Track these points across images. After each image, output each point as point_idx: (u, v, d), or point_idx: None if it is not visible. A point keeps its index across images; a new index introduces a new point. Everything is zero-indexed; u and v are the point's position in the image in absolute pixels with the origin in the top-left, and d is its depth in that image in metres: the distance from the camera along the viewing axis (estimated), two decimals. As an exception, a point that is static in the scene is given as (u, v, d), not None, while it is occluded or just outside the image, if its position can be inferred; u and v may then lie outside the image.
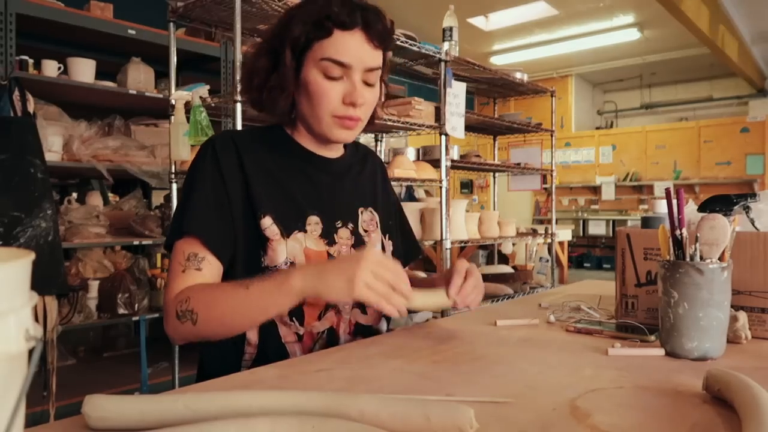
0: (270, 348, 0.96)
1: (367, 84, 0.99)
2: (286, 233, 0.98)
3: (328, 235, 1.02)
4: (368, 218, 1.10)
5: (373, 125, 1.12)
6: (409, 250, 1.26)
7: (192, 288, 0.91)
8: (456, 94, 2.81)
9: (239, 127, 2.01)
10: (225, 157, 0.98)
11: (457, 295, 0.98)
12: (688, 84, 9.18)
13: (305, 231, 1.00)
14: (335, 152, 1.10)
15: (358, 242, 1.06)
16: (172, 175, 2.39)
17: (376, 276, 0.83)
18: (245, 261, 0.97)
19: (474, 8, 6.39)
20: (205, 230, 0.94)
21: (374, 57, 0.98)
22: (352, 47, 0.95)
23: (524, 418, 0.62)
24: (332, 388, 0.73)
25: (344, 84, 0.97)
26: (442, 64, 2.75)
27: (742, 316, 0.93)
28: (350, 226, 1.06)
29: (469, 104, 3.70)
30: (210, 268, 0.94)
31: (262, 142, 1.04)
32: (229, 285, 0.90)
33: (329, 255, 1.02)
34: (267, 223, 0.97)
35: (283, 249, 0.97)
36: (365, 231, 1.09)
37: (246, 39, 2.42)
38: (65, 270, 2.62)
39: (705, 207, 1.10)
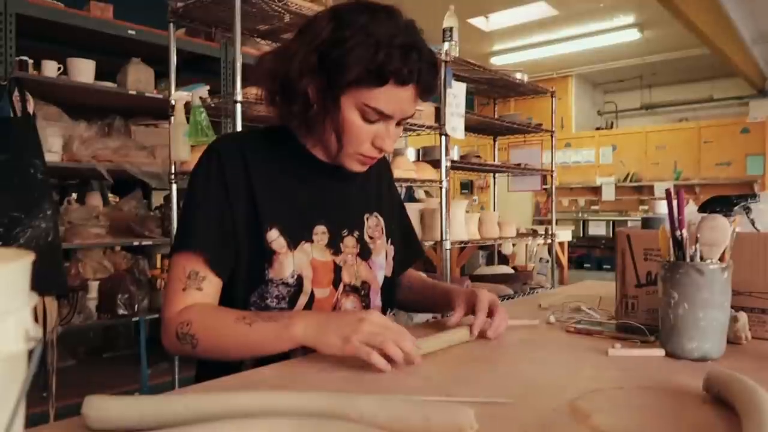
0: (272, 356, 0.95)
1: (398, 124, 0.97)
2: (292, 244, 0.97)
3: (334, 245, 1.01)
4: (374, 224, 1.10)
5: None
6: (410, 253, 1.24)
7: (194, 311, 0.90)
8: (456, 94, 2.81)
9: (239, 127, 2.01)
10: (231, 170, 0.96)
11: (487, 331, 0.97)
12: (689, 84, 9.17)
13: (312, 241, 0.99)
14: None
15: (364, 250, 1.06)
16: (172, 176, 2.38)
17: (375, 336, 0.80)
18: (248, 274, 0.96)
19: (474, 8, 6.38)
20: (207, 248, 0.93)
21: (414, 107, 0.96)
22: (399, 101, 0.92)
23: (524, 418, 0.62)
24: (332, 388, 0.73)
25: (378, 127, 0.94)
26: (442, 64, 2.75)
27: (742, 317, 0.93)
28: (356, 233, 1.05)
29: (469, 105, 3.70)
30: (210, 287, 0.94)
31: (270, 148, 1.01)
32: (231, 316, 0.88)
33: (335, 264, 1.01)
34: (273, 235, 0.96)
35: (290, 262, 0.96)
36: (371, 238, 1.08)
37: (246, 39, 2.43)
38: (65, 270, 2.62)
39: (705, 208, 1.10)
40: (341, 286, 1.02)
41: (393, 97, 0.91)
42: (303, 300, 0.98)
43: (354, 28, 0.89)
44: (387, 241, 1.12)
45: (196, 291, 0.92)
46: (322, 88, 0.92)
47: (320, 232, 1.00)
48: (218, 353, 0.90)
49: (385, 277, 1.11)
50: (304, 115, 0.96)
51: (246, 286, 0.97)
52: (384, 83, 0.89)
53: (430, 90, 0.96)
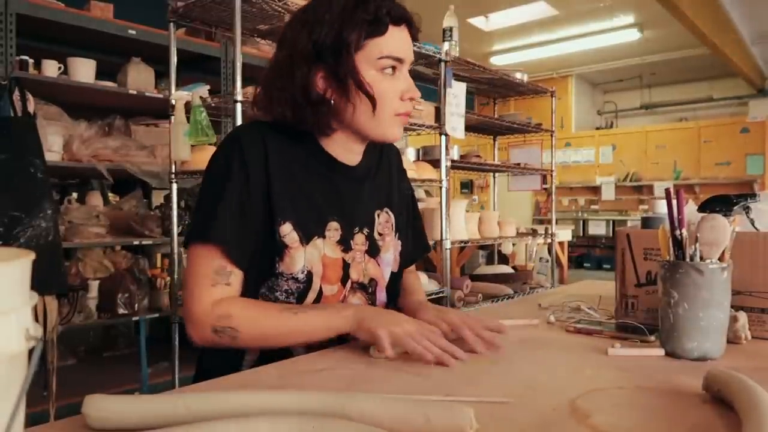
0: (274, 354, 0.95)
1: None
2: (305, 239, 0.97)
3: (345, 242, 1.02)
4: (384, 220, 1.10)
5: None
6: (417, 247, 1.24)
7: (233, 305, 0.92)
8: (456, 94, 2.81)
9: (239, 127, 2.01)
10: (253, 161, 0.95)
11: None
12: (688, 84, 9.17)
13: (324, 237, 1.00)
14: (356, 158, 1.07)
15: (372, 247, 1.06)
16: (173, 175, 2.38)
17: (422, 334, 0.86)
18: (259, 266, 0.96)
19: (474, 8, 6.38)
20: (231, 241, 0.93)
21: (413, 50, 1.01)
22: (403, 42, 0.97)
23: (524, 418, 0.62)
24: (332, 388, 0.73)
25: (398, 81, 0.98)
26: (442, 64, 2.75)
27: (742, 317, 0.93)
28: (366, 231, 1.06)
29: (469, 104, 3.69)
30: (236, 281, 0.95)
31: (288, 142, 1.00)
32: (276, 307, 0.93)
33: (344, 261, 1.02)
34: (286, 230, 0.96)
35: (301, 256, 0.96)
36: (380, 235, 1.08)
37: (246, 39, 2.43)
38: (65, 270, 2.62)
39: (705, 207, 1.10)
40: (349, 283, 1.03)
41: (398, 39, 0.96)
42: (311, 296, 0.98)
43: (338, 11, 0.94)
44: (395, 236, 1.13)
45: (224, 287, 0.93)
46: (335, 68, 0.94)
47: (333, 229, 1.01)
48: (260, 343, 0.93)
49: (391, 272, 1.11)
50: (330, 109, 0.97)
51: (255, 277, 0.97)
52: (385, 28, 0.94)
53: (416, 29, 1.01)
